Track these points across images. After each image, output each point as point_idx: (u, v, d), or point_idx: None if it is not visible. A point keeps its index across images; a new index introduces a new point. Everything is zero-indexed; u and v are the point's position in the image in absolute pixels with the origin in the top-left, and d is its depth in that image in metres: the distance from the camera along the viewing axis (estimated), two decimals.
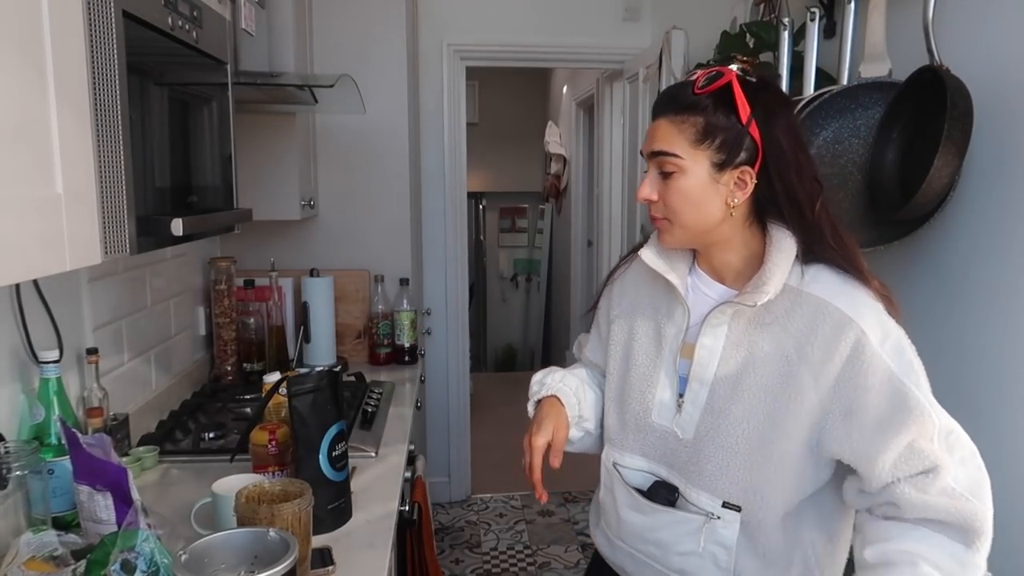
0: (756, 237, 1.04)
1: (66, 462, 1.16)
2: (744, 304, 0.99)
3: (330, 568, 1.16)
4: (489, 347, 6.52)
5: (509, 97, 6.05)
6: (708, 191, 1.00)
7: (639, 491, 1.11)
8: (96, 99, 0.95)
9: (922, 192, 1.29)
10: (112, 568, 0.94)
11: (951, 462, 0.93)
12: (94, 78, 0.95)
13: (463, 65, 3.18)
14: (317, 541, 1.20)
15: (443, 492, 3.40)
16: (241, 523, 1.07)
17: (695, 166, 0.99)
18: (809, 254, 1.01)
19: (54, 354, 1.30)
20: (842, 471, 1.02)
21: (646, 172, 1.05)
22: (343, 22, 2.49)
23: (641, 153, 1.06)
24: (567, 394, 1.19)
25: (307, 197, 2.34)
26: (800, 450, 0.99)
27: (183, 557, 0.91)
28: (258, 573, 0.89)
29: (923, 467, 0.92)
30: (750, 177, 0.99)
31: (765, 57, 1.93)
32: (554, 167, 5.45)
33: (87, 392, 1.49)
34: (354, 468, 1.53)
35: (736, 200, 1.00)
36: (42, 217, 0.82)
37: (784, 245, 1.00)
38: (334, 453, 1.29)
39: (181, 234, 1.16)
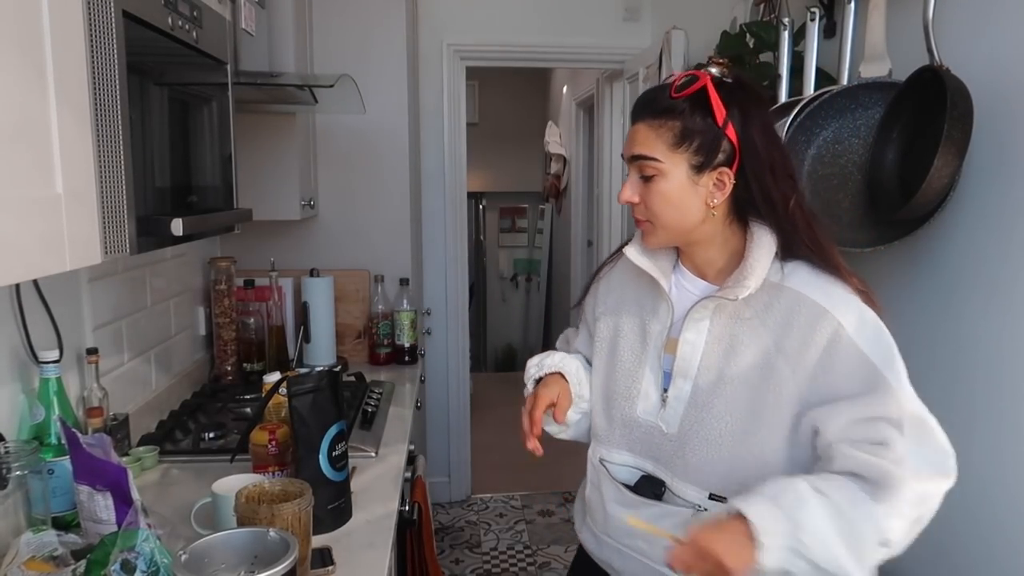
0: (737, 235, 1.07)
1: (66, 462, 1.16)
2: (726, 298, 1.02)
3: (330, 568, 1.16)
4: (489, 347, 6.51)
5: (509, 97, 6.04)
6: (688, 193, 1.02)
7: (626, 486, 1.12)
8: (96, 99, 0.95)
9: (922, 192, 1.29)
10: (112, 568, 0.94)
11: (905, 444, 0.91)
12: (94, 78, 0.95)
13: (463, 65, 3.18)
14: (317, 541, 1.20)
15: (443, 492, 3.40)
16: (241, 523, 1.07)
17: (674, 169, 1.01)
18: (787, 251, 1.03)
19: (54, 354, 1.30)
20: None
21: (627, 175, 1.07)
22: (343, 22, 2.49)
23: (622, 156, 1.08)
24: (570, 372, 1.20)
25: (307, 197, 2.34)
26: (782, 441, 1.00)
27: (183, 557, 0.92)
28: (258, 573, 0.90)
29: (873, 439, 0.92)
30: (728, 178, 1.01)
31: (765, 57, 1.93)
32: (554, 167, 5.44)
33: (87, 392, 1.49)
34: (354, 468, 1.53)
35: (716, 200, 1.02)
36: (42, 217, 0.82)
37: (764, 242, 1.02)
38: (334, 453, 1.30)
39: (181, 234, 1.16)
